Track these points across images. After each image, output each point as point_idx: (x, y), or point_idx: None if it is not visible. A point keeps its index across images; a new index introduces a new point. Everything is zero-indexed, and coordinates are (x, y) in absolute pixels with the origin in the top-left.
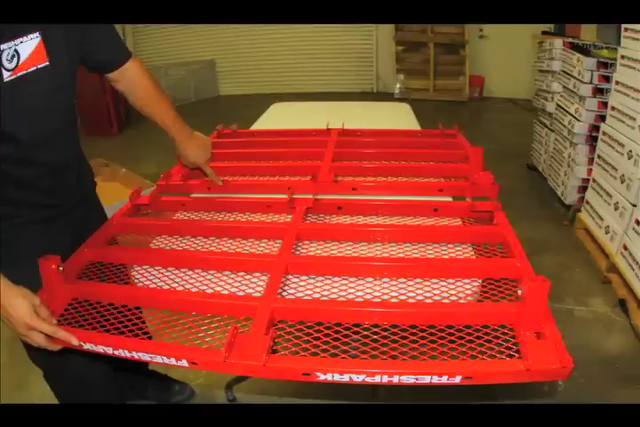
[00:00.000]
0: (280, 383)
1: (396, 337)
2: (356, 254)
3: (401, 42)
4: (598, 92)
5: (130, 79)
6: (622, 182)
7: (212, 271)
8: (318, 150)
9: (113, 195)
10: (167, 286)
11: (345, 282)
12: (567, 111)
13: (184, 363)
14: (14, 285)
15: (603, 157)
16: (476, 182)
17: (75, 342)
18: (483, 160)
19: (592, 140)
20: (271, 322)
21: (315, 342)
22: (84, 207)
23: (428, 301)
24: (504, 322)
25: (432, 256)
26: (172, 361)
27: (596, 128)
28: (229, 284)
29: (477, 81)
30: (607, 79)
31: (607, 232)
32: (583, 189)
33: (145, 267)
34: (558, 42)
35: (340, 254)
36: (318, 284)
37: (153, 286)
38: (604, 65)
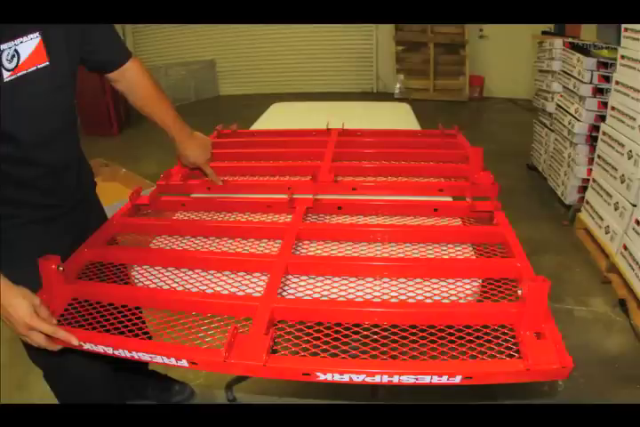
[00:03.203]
0: (280, 383)
1: (395, 337)
2: (355, 254)
3: (401, 42)
4: (598, 92)
5: (130, 79)
6: (622, 182)
7: (212, 271)
8: (318, 150)
9: (113, 195)
10: (167, 286)
11: (345, 282)
12: (567, 111)
13: (184, 363)
14: (14, 285)
15: (603, 157)
16: (476, 182)
17: (75, 342)
18: (483, 160)
19: (592, 140)
20: (271, 322)
21: (315, 342)
22: (84, 207)
23: (428, 301)
24: (504, 322)
25: (432, 256)
26: (172, 361)
27: (596, 128)
28: (229, 284)
29: (477, 81)
30: (607, 79)
31: (607, 232)
32: (583, 189)
33: (145, 267)
34: (558, 42)
35: (340, 254)
36: (318, 284)
37: (153, 286)
38: (604, 65)
